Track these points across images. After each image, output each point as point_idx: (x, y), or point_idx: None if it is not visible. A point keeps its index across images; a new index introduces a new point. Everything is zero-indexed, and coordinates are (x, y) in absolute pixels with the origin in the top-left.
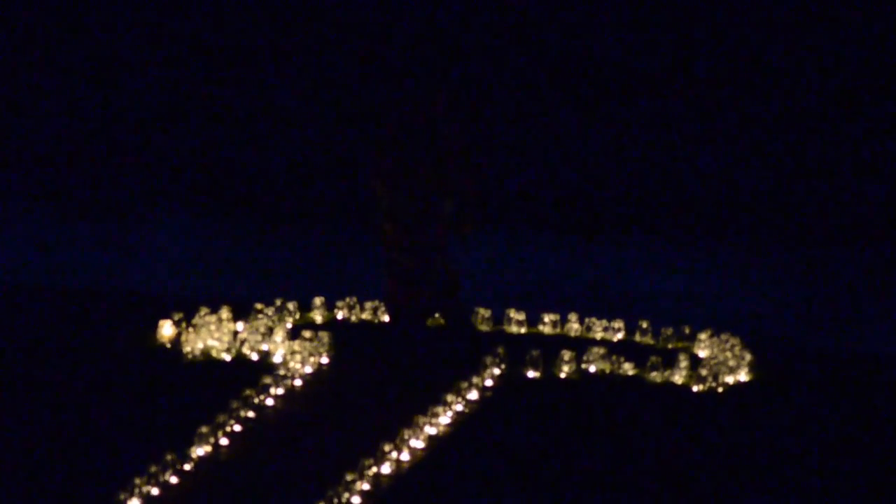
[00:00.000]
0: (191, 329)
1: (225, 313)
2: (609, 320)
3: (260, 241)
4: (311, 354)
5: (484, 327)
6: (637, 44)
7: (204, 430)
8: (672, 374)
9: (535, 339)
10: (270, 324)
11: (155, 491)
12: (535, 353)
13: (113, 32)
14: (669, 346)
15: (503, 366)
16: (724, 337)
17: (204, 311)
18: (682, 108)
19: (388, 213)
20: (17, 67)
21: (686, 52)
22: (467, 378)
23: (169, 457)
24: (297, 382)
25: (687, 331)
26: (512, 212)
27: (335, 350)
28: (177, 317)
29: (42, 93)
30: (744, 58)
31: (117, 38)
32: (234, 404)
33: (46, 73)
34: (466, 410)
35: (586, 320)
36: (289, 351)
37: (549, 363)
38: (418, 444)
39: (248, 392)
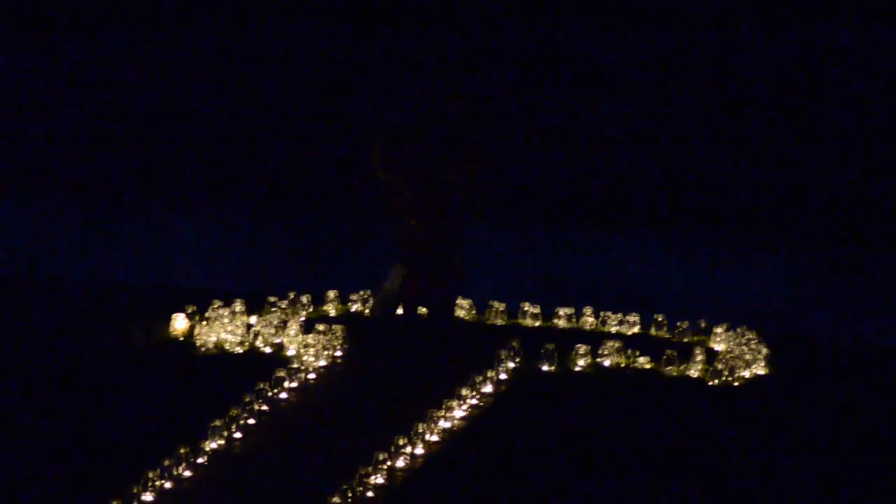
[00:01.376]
0: (204, 322)
1: (238, 306)
2: (624, 314)
3: (273, 235)
4: (324, 348)
5: (499, 321)
6: (650, 42)
7: (217, 423)
8: (688, 369)
9: (549, 332)
10: (284, 317)
11: (168, 485)
12: (549, 346)
13: (126, 30)
14: (685, 339)
15: (518, 359)
16: (740, 331)
17: (217, 304)
18: (696, 104)
19: (409, 207)
20: (31, 61)
21: (694, 50)
22: (482, 372)
23: (182, 450)
24: (311, 376)
25: (703, 325)
26: (527, 206)
27: (349, 343)
28: (190, 310)
29: (54, 86)
30: (752, 56)
31: (130, 35)
32: (248, 398)
33: (59, 67)
34: (481, 404)
35: (601, 314)
36: (302, 344)
37: (563, 357)
38: (433, 437)
39: (261, 385)
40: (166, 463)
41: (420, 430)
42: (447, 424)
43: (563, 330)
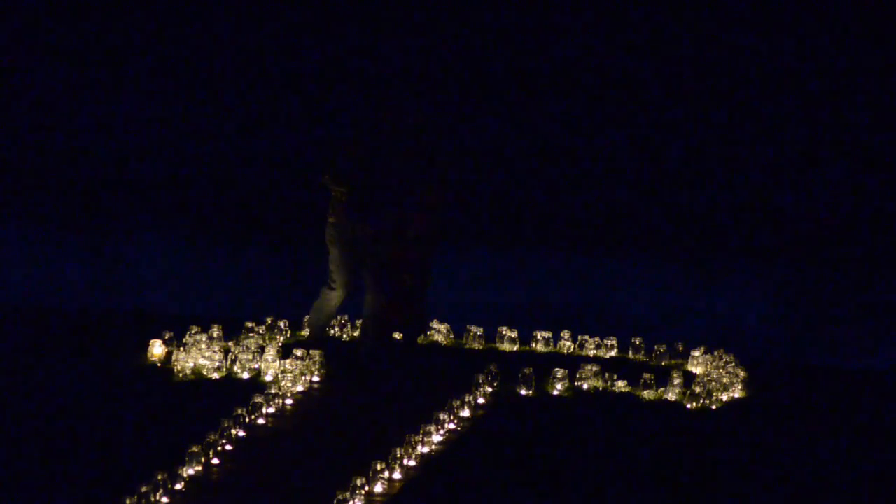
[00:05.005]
0: (181, 348)
1: (216, 332)
2: (602, 338)
3: (250, 261)
4: (302, 373)
5: (476, 345)
6: (628, 68)
7: (195, 449)
8: (665, 392)
9: (527, 356)
10: (262, 342)
11: None
12: (527, 370)
13: (111, 66)
14: (663, 363)
15: (496, 384)
16: (717, 354)
17: (195, 329)
18: (673, 127)
19: (392, 232)
20: (14, 91)
21: (676, 75)
22: (460, 396)
23: (160, 476)
24: (289, 401)
25: (680, 348)
26: (505, 231)
27: (327, 368)
28: (167, 336)
29: (35, 112)
30: (739, 81)
31: (113, 62)
32: (225, 423)
33: (41, 94)
34: (459, 428)
35: (579, 338)
36: (280, 369)
37: (541, 381)
38: (411, 462)
39: (239, 411)
40: (144, 489)
41: (398, 455)
42: (425, 449)
43: (541, 354)
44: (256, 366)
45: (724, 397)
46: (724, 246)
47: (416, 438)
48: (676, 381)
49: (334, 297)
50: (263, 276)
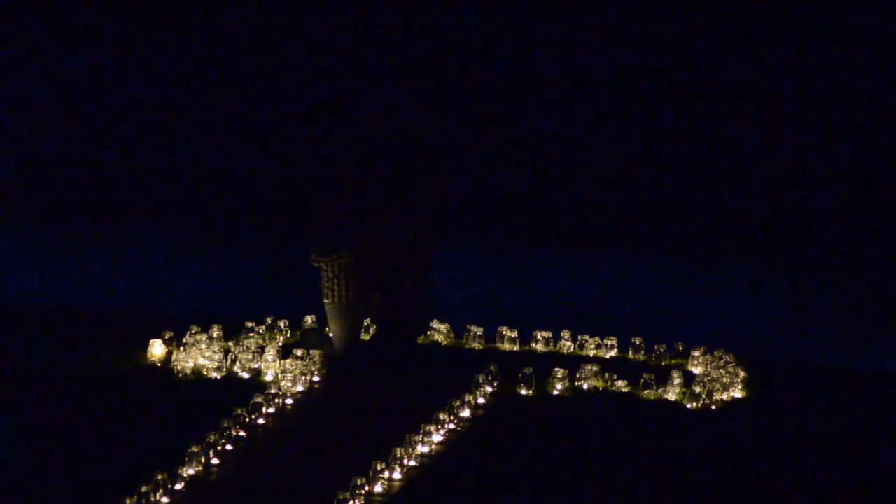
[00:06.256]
0: (181, 348)
1: (216, 332)
2: (602, 337)
3: (250, 260)
4: (302, 373)
5: (476, 345)
6: (625, 64)
7: (195, 449)
8: (665, 392)
9: (527, 356)
10: (261, 342)
11: None
12: (527, 370)
13: (110, 55)
14: (663, 363)
15: (496, 383)
16: (717, 354)
17: (194, 329)
18: (675, 126)
19: (394, 231)
20: (10, 85)
21: (671, 74)
22: (460, 396)
23: (160, 476)
24: (289, 401)
25: (680, 348)
26: (504, 230)
27: (327, 368)
28: (167, 336)
29: (32, 108)
30: (743, 80)
31: (112, 60)
32: (225, 423)
33: (37, 89)
34: (459, 429)
35: (579, 337)
36: (280, 369)
37: (541, 381)
38: (410, 462)
39: (239, 411)
40: (144, 489)
41: (398, 455)
42: (425, 449)
43: (541, 354)
44: (256, 366)
45: (724, 397)
46: (725, 246)
47: (417, 438)
48: (676, 381)
49: (331, 348)
50: (263, 276)
